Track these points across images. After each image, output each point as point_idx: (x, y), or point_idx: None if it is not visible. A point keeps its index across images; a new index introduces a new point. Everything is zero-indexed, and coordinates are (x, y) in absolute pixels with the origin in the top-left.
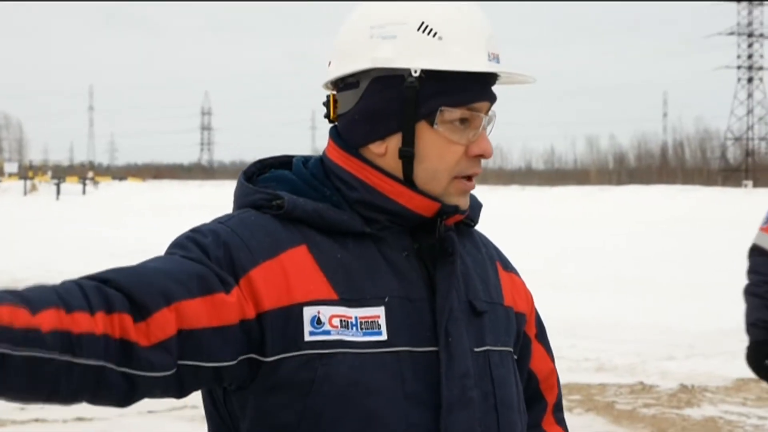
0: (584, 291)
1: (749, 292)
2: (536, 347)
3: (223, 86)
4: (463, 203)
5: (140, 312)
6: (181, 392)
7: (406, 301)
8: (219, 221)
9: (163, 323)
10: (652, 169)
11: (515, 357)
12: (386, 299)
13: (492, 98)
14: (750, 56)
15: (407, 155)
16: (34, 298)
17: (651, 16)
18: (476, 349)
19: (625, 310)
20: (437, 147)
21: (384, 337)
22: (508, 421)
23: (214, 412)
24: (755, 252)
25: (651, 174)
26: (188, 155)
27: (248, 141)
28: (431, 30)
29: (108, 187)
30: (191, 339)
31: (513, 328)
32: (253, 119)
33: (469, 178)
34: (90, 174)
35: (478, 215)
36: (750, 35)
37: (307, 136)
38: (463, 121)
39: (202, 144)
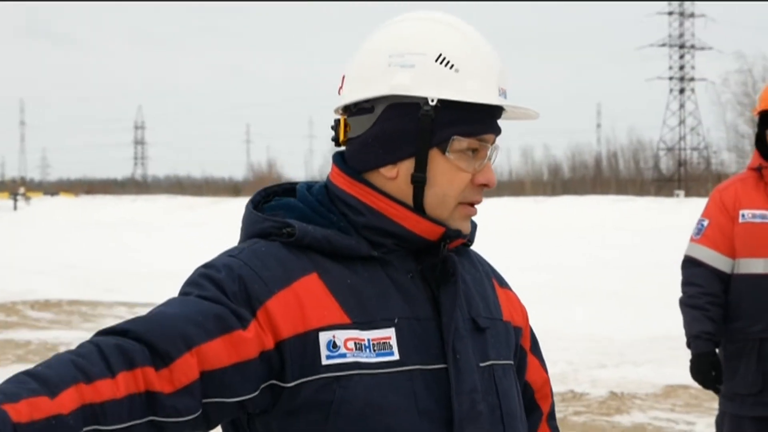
0: None
1: (687, 305)
2: (531, 359)
3: (157, 100)
4: (466, 228)
5: (162, 360)
6: (208, 427)
7: (415, 321)
8: (230, 254)
9: (186, 368)
10: (586, 180)
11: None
12: (396, 320)
13: (498, 131)
14: (681, 67)
15: (420, 180)
16: (53, 377)
17: (584, 27)
18: (482, 364)
19: (558, 319)
20: (447, 174)
21: (396, 357)
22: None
23: None
24: (689, 263)
25: (585, 185)
26: (122, 170)
27: (182, 155)
28: (449, 62)
29: (40, 202)
30: (214, 379)
31: (512, 341)
32: (187, 133)
33: (471, 204)
34: (21, 189)
35: (474, 235)
36: (681, 47)
37: (242, 149)
38: (471, 150)
39: (135, 158)
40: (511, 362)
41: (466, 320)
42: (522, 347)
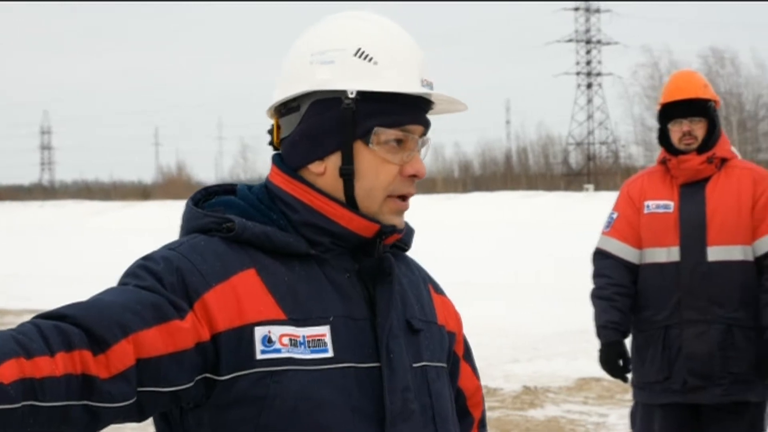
0: None
1: (596, 296)
2: (464, 366)
3: (63, 104)
4: (399, 222)
5: (99, 345)
6: (141, 417)
7: (350, 320)
8: (169, 247)
9: (122, 355)
10: (497, 176)
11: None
12: (331, 318)
13: (425, 123)
14: (588, 62)
15: (347, 173)
16: None
17: (491, 24)
18: (415, 365)
19: (471, 314)
20: (373, 166)
21: (330, 354)
22: None
23: (167, 430)
24: (599, 255)
25: (496, 181)
26: (28, 175)
27: (90, 159)
28: (367, 55)
29: None
30: (149, 367)
31: (446, 345)
32: (95, 137)
33: (403, 198)
34: None
35: (411, 240)
36: (588, 42)
37: (151, 152)
38: (398, 142)
39: (42, 164)
40: (444, 365)
41: (400, 321)
42: (455, 353)
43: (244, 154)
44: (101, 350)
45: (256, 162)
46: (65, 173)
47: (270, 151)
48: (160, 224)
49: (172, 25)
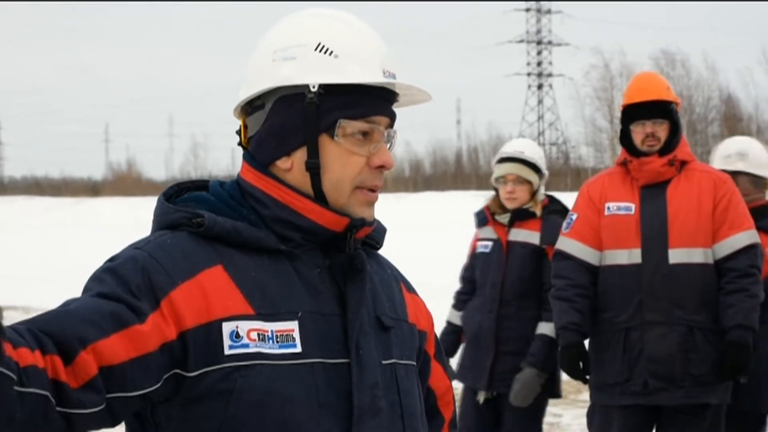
0: None
1: (556, 297)
2: (435, 365)
3: (12, 100)
4: (369, 215)
5: (65, 356)
6: (114, 422)
7: (319, 315)
8: (136, 247)
9: (84, 365)
10: (447, 176)
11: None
12: (299, 314)
13: (390, 114)
14: (539, 63)
15: (314, 167)
16: None
17: (443, 24)
18: (384, 362)
19: None
20: (340, 158)
21: (299, 349)
22: (413, 430)
23: (136, 424)
24: (558, 257)
25: (447, 180)
26: None
27: (41, 155)
28: (328, 49)
29: None
30: (114, 374)
31: (416, 343)
32: (44, 133)
33: (372, 189)
34: None
35: (383, 239)
36: (539, 43)
37: (101, 149)
38: (364, 134)
39: None
40: (414, 363)
41: (371, 317)
42: (426, 352)
43: (195, 151)
44: (68, 361)
45: (207, 159)
46: (14, 169)
47: (221, 149)
48: (113, 220)
49: (123, 21)
